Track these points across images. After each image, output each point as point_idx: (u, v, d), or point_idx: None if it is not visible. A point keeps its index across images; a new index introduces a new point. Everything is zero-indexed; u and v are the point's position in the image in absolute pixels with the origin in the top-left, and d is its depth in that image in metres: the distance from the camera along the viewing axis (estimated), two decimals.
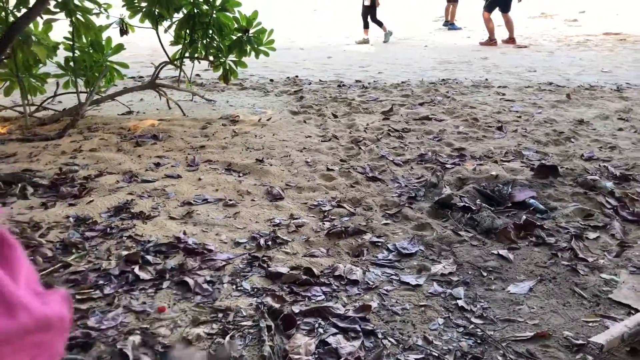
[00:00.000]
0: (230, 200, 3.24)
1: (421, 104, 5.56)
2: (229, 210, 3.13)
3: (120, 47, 5.11)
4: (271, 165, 3.80)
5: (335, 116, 5.15)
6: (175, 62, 5.39)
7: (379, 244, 2.76)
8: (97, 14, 5.39)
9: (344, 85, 6.69)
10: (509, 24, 10.05)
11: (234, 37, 5.23)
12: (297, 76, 7.37)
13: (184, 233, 2.85)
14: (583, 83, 6.45)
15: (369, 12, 10.77)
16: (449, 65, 8.21)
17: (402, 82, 6.78)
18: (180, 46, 5.32)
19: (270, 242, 2.78)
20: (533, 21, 13.04)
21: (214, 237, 2.81)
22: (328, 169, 3.74)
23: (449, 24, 12.39)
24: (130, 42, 5.72)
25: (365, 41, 10.70)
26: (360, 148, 4.17)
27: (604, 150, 4.03)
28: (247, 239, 2.81)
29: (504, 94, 5.93)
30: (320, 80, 7.07)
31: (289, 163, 3.87)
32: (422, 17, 14.47)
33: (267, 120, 4.99)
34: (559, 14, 13.81)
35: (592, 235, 2.81)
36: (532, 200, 3.19)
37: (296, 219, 3.04)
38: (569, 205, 3.12)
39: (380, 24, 10.78)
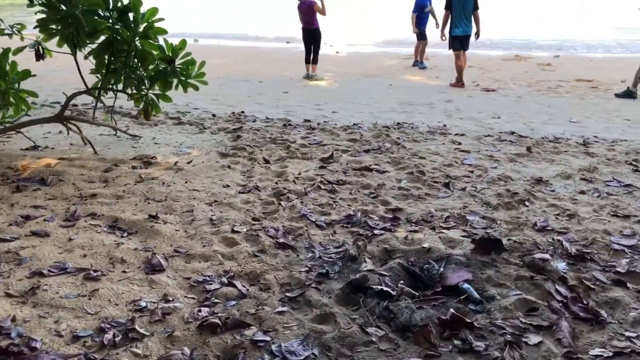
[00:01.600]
0: (95, 271, 2.61)
1: (367, 151, 5.00)
2: (88, 285, 2.50)
3: (27, 74, 4.49)
4: (165, 222, 3.18)
5: (266, 161, 4.56)
6: (93, 92, 4.78)
7: (262, 344, 2.15)
8: (10, 35, 4.79)
9: (290, 124, 6.13)
10: (465, 63, 9.67)
11: (159, 68, 4.66)
12: (243, 112, 6.81)
13: (13, 319, 2.21)
14: (548, 134, 5.97)
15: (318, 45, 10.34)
16: (409, 106, 7.73)
17: (354, 124, 6.24)
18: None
19: (120, 337, 2.14)
20: (506, 63, 12.72)
21: (50, 328, 2.18)
22: (233, 231, 3.13)
23: (419, 63, 12.02)
24: (58, 67, 5.12)
25: (320, 78, 10.21)
26: (280, 203, 3.58)
27: (561, 218, 3.48)
28: (92, 330, 2.18)
29: (459, 143, 5.40)
30: (267, 118, 6.51)
31: (189, 220, 3.25)
32: (393, 54, 14.12)
33: (187, 163, 4.38)
34: (533, 58, 13.55)
35: (533, 339, 2.23)
36: (466, 286, 2.61)
37: (169, 301, 2.42)
38: (510, 293, 2.54)
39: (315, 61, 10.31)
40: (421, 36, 11.76)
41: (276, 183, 4.02)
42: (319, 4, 10.02)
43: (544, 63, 12.54)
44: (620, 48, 15.28)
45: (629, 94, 8.53)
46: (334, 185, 4.00)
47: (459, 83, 9.63)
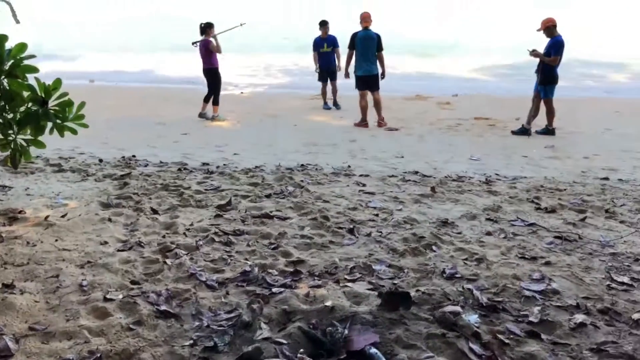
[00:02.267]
0: None
1: (268, 196, 4.68)
2: None
3: None
4: (23, 292, 2.67)
5: (155, 212, 4.11)
6: None
7: None
8: None
9: (186, 168, 5.72)
10: (377, 105, 9.72)
11: (30, 110, 4.12)
12: (134, 156, 6.30)
13: None
14: (451, 173, 5.94)
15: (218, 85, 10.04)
16: (314, 147, 7.54)
17: (256, 167, 5.93)
18: None
19: None
20: (408, 103, 13.00)
21: None
22: (106, 299, 2.67)
23: (324, 104, 11.97)
24: None
25: (222, 119, 9.88)
26: (166, 261, 3.15)
27: (470, 263, 3.30)
28: None
29: (364, 185, 5.22)
30: (160, 162, 6.05)
31: (53, 288, 2.76)
32: (298, 94, 14.07)
33: (62, 217, 3.85)
34: (434, 97, 13.95)
35: None
36: (373, 350, 2.31)
37: None
38: (421, 356, 2.27)
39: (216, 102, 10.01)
40: (321, 77, 11.73)
41: (163, 237, 3.59)
42: (214, 42, 9.78)
43: (443, 102, 12.92)
44: (514, 87, 16.13)
45: (524, 131, 8.84)
46: (230, 237, 3.63)
47: (363, 123, 9.62)
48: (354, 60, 9.75)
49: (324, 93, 11.92)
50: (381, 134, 9.00)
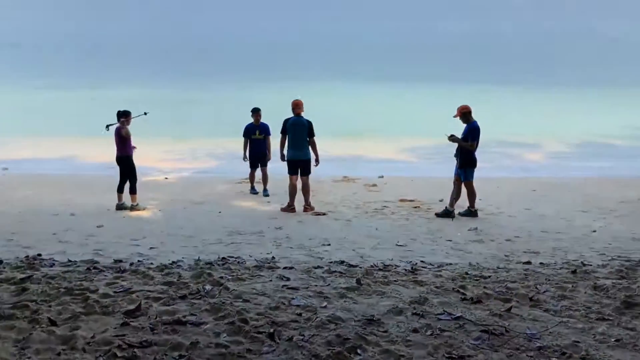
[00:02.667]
0: None
1: (183, 297, 4.36)
2: None
3: None
4: None
5: (52, 322, 3.70)
6: None
7: None
8: None
9: (96, 267, 5.31)
10: (305, 189, 9.67)
11: None
12: (39, 254, 5.83)
13: None
14: (377, 262, 5.83)
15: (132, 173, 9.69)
16: (238, 236, 7.30)
17: (172, 263, 5.60)
18: None
19: None
20: (336, 185, 13.06)
21: None
22: None
23: (251, 189, 11.76)
24: None
25: (141, 208, 9.47)
26: None
27: None
28: None
29: (288, 279, 4.99)
30: (69, 261, 5.62)
31: None
32: (226, 179, 13.86)
33: None
34: (361, 179, 14.11)
35: None
36: None
37: None
38: None
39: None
40: (251, 164, 11.57)
41: (58, 354, 3.19)
42: (127, 129, 9.50)
43: (370, 184, 13.06)
44: (436, 168, 16.64)
45: (447, 214, 8.97)
46: (135, 350, 3.28)
47: (290, 208, 9.51)
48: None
49: (252, 177, 11.74)
50: (308, 219, 8.88)
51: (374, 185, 12.93)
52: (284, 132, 9.68)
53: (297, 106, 9.62)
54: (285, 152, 9.77)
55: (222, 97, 35.73)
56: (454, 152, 9.20)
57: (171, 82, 43.45)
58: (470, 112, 9.01)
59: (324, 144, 19.40)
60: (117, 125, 9.54)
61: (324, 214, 9.25)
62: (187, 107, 31.70)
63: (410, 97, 35.77)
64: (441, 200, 10.34)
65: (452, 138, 8.99)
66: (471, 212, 9.09)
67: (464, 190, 9.18)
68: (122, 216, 8.95)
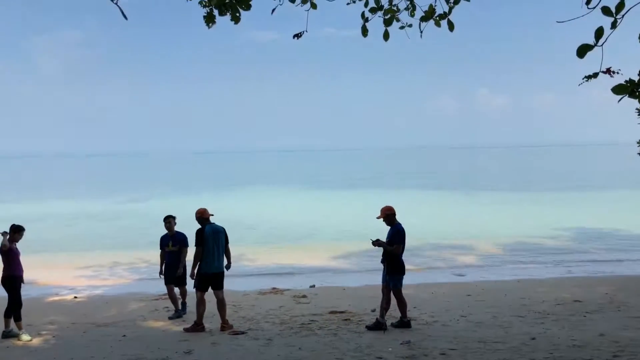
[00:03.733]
0: None
1: None
2: None
3: None
4: None
5: None
6: None
7: None
8: None
9: None
10: (222, 306, 8.74)
11: None
12: None
13: None
14: None
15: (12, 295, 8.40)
16: None
17: None
18: None
19: None
20: (262, 298, 12.11)
21: None
22: None
23: (174, 312, 10.44)
24: None
25: (27, 338, 8.12)
26: None
27: None
28: None
29: None
30: None
31: None
32: (141, 295, 12.67)
33: None
34: (290, 290, 13.24)
35: None
36: None
37: None
38: None
39: None
40: (167, 279, 10.37)
41: None
42: (6, 243, 8.33)
43: (299, 295, 12.21)
44: (368, 277, 16.00)
45: (378, 326, 8.23)
46: None
47: (199, 327, 8.53)
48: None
49: (171, 296, 10.38)
50: (224, 339, 7.90)
51: (304, 296, 12.08)
52: (200, 243, 8.74)
53: (205, 213, 8.86)
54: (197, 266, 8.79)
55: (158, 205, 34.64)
56: (381, 257, 8.63)
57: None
58: (394, 214, 8.52)
59: (250, 253, 18.70)
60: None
61: (243, 333, 8.29)
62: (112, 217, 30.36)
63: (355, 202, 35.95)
64: (373, 311, 9.66)
65: (376, 242, 8.43)
66: (404, 323, 8.39)
67: (394, 299, 8.51)
68: (5, 346, 7.68)
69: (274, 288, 13.53)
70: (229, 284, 13.39)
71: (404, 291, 8.56)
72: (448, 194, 41.73)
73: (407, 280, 13.80)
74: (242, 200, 39.15)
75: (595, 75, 4.54)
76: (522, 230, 22.11)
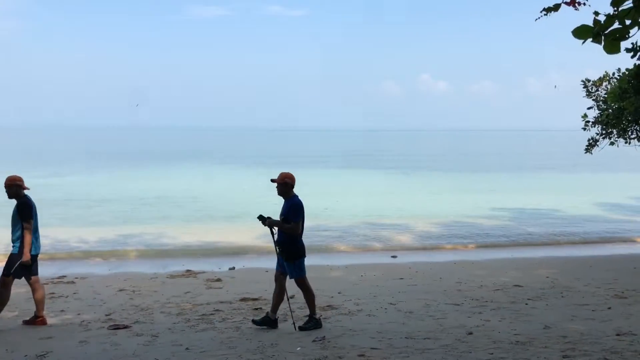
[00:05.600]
0: None
1: None
2: None
3: None
4: None
5: None
6: None
7: None
8: None
9: None
10: (37, 294, 7.12)
11: None
12: None
13: None
14: None
15: None
16: None
17: None
18: None
19: None
20: (170, 282, 10.61)
21: None
22: None
23: None
24: None
25: None
26: None
27: None
28: None
29: None
30: None
31: None
32: None
33: None
34: (206, 272, 11.79)
35: None
36: None
37: None
38: None
39: None
40: None
41: None
42: None
43: (213, 279, 10.78)
44: None
45: (267, 322, 6.66)
46: None
47: (39, 319, 6.99)
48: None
49: None
50: (98, 336, 6.38)
51: (218, 280, 10.66)
52: (31, 217, 6.99)
53: (23, 181, 7.11)
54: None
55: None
56: (273, 239, 6.84)
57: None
58: (293, 184, 6.76)
59: (172, 231, 17.07)
60: None
61: (125, 327, 6.81)
62: None
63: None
64: (292, 297, 8.36)
65: (268, 221, 6.72)
66: (313, 321, 6.73)
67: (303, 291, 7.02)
68: None
69: (187, 270, 12.03)
70: (141, 265, 11.85)
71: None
72: (387, 174, 40.99)
73: (336, 261, 12.57)
74: (173, 176, 37.03)
75: (557, 7, 3.50)
76: (459, 211, 21.33)
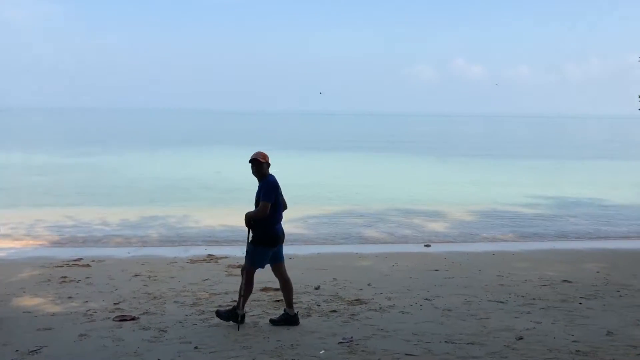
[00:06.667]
0: None
1: None
2: None
3: None
4: None
5: None
6: None
7: None
8: None
9: None
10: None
11: None
12: None
13: None
14: None
15: None
16: None
17: None
18: None
19: None
20: (190, 267, 10.01)
21: None
22: None
23: None
24: None
25: None
26: None
27: None
28: None
29: None
30: None
31: None
32: (42, 262, 10.46)
33: None
34: (229, 257, 11.18)
35: None
36: None
37: None
38: None
39: None
40: None
41: None
42: None
43: (235, 265, 10.14)
44: (325, 244, 14.00)
45: (232, 316, 5.93)
46: None
47: None
48: None
49: None
50: (101, 329, 5.76)
51: (240, 266, 10.01)
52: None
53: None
54: None
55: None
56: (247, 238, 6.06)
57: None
58: (268, 164, 6.03)
59: (198, 214, 16.53)
60: None
61: (132, 319, 6.18)
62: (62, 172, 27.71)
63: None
64: (317, 288, 7.70)
65: (247, 222, 5.92)
66: (288, 317, 5.98)
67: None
68: None
69: (209, 255, 11.43)
70: (162, 249, 11.30)
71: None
72: (419, 158, 39.86)
73: (366, 249, 11.73)
74: (199, 158, 36.67)
75: None
76: (494, 198, 20.32)
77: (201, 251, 12.03)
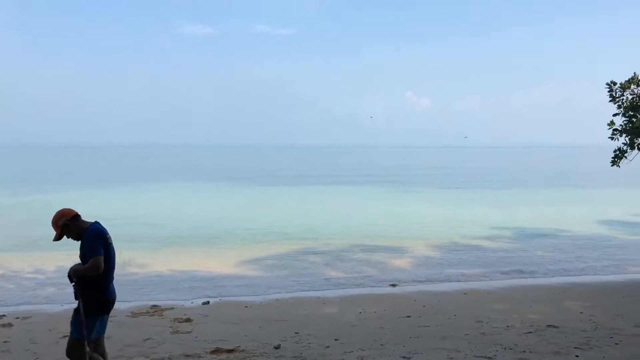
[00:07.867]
0: None
1: None
2: None
3: None
4: None
5: None
6: None
7: None
8: None
9: None
10: None
11: None
12: None
13: None
14: None
15: None
16: None
17: None
18: None
19: None
20: (130, 321, 8.78)
21: None
22: None
23: None
24: None
25: None
26: None
27: None
28: None
29: None
30: None
31: None
32: None
33: None
34: (175, 308, 9.96)
35: None
36: None
37: None
38: None
39: None
40: None
41: None
42: None
43: (182, 318, 8.96)
44: (284, 284, 12.88)
45: None
46: None
47: None
48: None
49: None
50: None
51: (187, 320, 8.83)
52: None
53: None
54: None
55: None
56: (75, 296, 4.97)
57: None
58: (76, 218, 4.99)
59: (143, 256, 15.16)
60: None
61: None
62: None
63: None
64: (277, 347, 6.64)
65: (70, 271, 4.87)
66: None
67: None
68: None
69: (153, 306, 10.17)
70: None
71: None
72: (378, 190, 39.32)
73: (329, 293, 10.75)
74: (146, 195, 35.01)
75: None
76: (456, 231, 19.77)
77: (145, 301, 10.77)
